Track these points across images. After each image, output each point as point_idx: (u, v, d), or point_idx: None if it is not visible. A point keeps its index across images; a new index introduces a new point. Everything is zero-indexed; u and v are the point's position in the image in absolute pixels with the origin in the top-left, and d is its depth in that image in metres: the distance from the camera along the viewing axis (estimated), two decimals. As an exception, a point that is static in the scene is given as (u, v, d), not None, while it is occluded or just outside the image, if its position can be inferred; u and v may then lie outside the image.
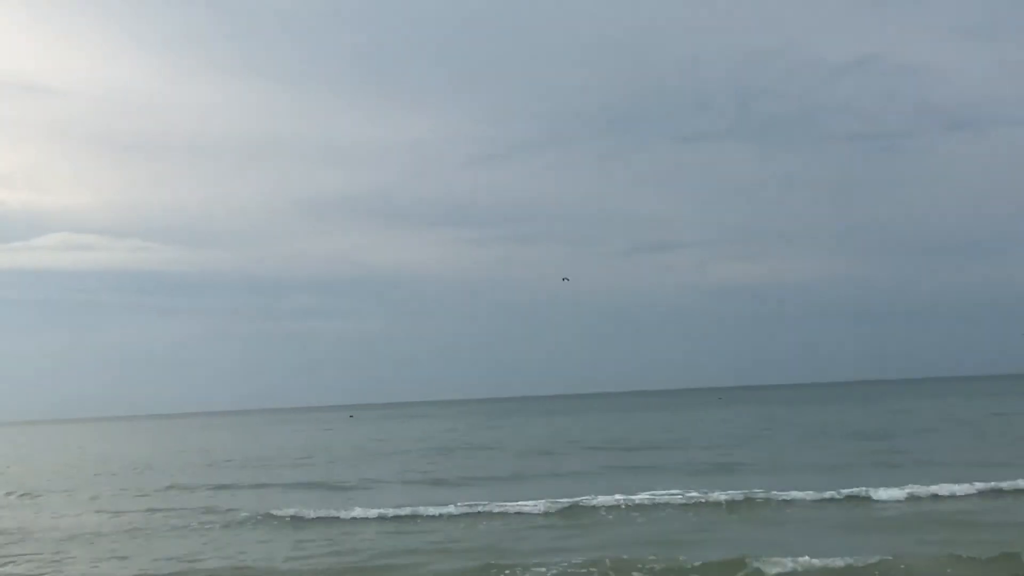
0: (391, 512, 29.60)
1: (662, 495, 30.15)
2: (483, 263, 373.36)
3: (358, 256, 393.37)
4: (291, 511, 30.70)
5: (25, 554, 25.68)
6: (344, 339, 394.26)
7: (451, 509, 29.73)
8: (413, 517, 28.99)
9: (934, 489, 29.11)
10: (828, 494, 29.03)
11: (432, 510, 29.70)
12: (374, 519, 29.02)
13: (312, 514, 30.20)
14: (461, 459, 51.18)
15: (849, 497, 28.73)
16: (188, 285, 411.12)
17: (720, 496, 29.40)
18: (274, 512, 30.74)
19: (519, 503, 29.97)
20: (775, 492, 29.59)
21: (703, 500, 29.21)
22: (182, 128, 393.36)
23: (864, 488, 29.44)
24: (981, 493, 28.48)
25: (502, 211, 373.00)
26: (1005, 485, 28.94)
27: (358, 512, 30.01)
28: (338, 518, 29.49)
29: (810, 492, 29.37)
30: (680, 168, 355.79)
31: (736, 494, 29.51)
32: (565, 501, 29.75)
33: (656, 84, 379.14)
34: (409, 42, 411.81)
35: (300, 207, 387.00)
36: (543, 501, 29.80)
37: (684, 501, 29.31)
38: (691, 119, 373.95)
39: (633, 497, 29.79)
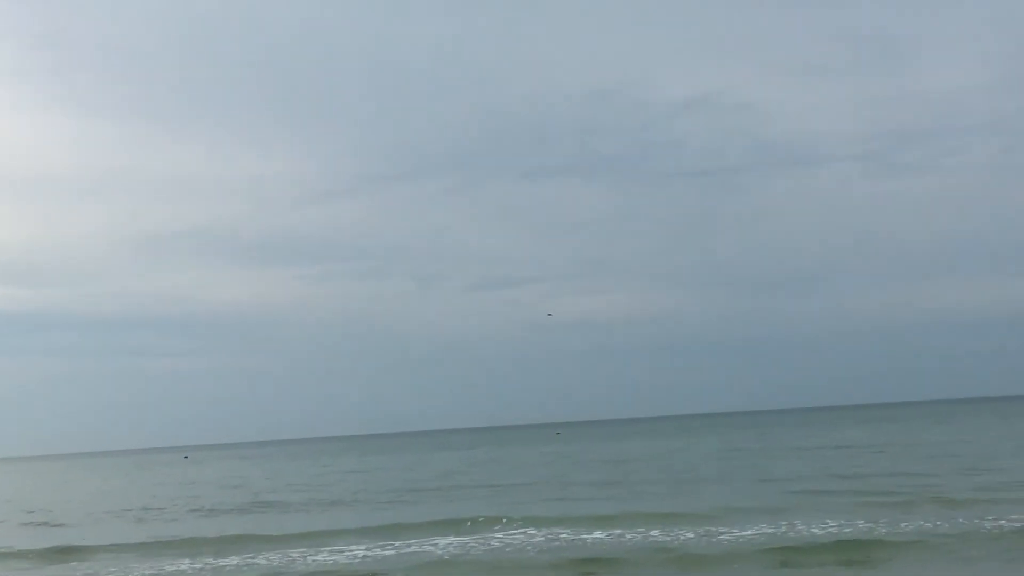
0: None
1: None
2: (324, 300, 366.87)
3: (197, 293, 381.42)
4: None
5: None
6: (182, 378, 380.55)
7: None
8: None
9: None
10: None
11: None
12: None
13: None
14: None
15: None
16: (19, 324, 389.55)
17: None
18: None
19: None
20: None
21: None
22: (10, 164, 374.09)
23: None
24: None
25: (344, 247, 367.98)
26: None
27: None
28: None
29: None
30: (523, 204, 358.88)
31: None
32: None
33: (499, 121, 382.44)
34: (252, 77, 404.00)
35: (136, 243, 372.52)
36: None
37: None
38: (533, 155, 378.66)
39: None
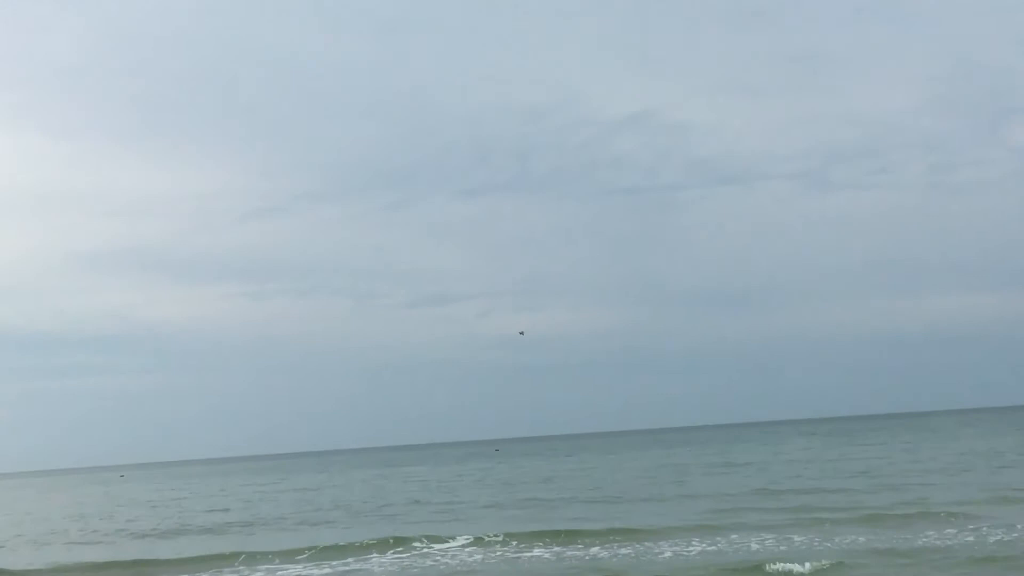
0: None
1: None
2: (262, 318, 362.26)
3: (136, 311, 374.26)
4: None
5: None
6: (121, 397, 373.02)
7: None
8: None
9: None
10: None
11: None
12: None
13: None
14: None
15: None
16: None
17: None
18: None
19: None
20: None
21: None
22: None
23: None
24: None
25: (282, 264, 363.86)
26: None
27: None
28: None
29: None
30: (462, 221, 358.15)
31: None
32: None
33: (438, 139, 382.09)
34: (191, 93, 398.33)
35: (75, 261, 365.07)
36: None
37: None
38: (473, 173, 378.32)
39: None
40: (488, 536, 33.47)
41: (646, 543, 30.65)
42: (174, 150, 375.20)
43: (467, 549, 31.82)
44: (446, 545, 32.78)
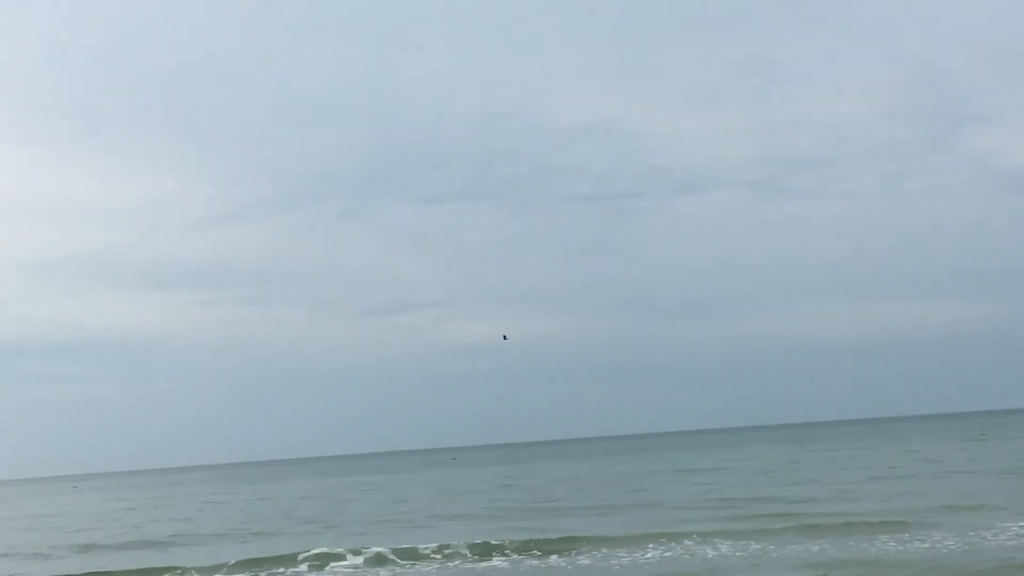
0: None
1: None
2: (217, 325, 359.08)
3: (89, 319, 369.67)
4: None
5: None
6: (74, 405, 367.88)
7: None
8: None
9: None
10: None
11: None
12: None
13: None
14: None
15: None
16: None
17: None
18: None
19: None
20: None
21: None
22: None
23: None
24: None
25: (238, 272, 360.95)
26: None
27: None
28: None
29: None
30: (418, 229, 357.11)
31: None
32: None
33: (395, 146, 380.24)
34: (142, 102, 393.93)
35: (27, 269, 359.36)
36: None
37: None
38: (430, 181, 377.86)
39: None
40: (423, 547, 33.03)
41: (604, 549, 30.75)
42: (125, 159, 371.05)
43: (404, 562, 31.60)
44: (359, 558, 32.38)
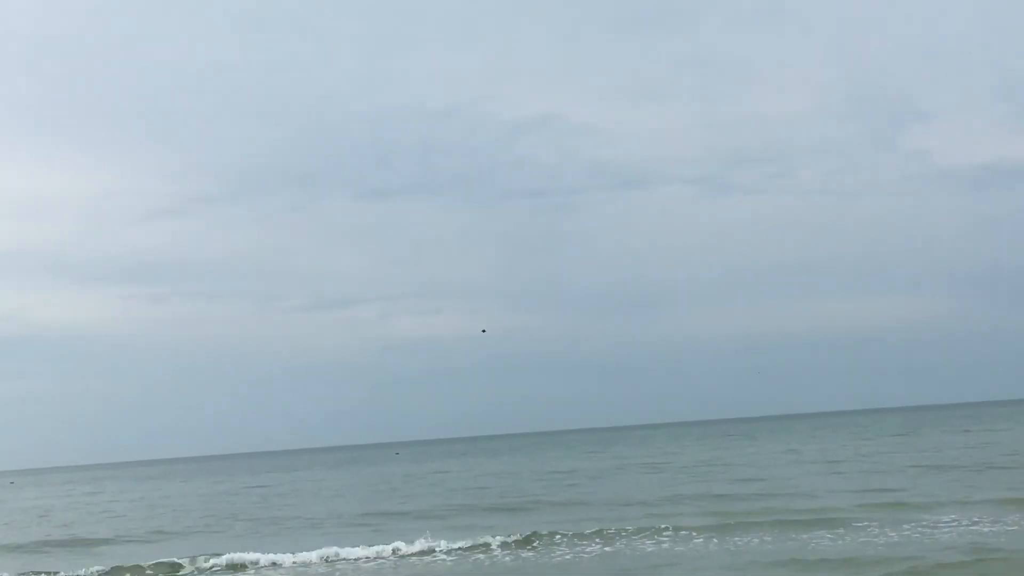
0: None
1: None
2: (161, 320, 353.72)
3: (29, 314, 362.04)
4: None
5: None
6: (13, 400, 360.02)
7: None
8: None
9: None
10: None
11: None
12: None
13: None
14: None
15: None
16: None
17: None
18: None
19: None
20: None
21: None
22: None
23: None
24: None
25: (181, 267, 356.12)
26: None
27: None
28: None
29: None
30: (364, 223, 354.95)
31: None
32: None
33: (339, 141, 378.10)
34: (85, 95, 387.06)
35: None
36: None
37: None
38: (375, 175, 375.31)
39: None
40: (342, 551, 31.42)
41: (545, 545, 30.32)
42: (66, 152, 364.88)
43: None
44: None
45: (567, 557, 28.35)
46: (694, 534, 30.57)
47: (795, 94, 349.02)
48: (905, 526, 29.51)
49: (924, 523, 29.88)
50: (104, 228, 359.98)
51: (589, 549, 29.35)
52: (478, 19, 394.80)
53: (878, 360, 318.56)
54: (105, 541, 41.33)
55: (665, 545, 29.12)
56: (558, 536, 31.55)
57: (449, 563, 28.86)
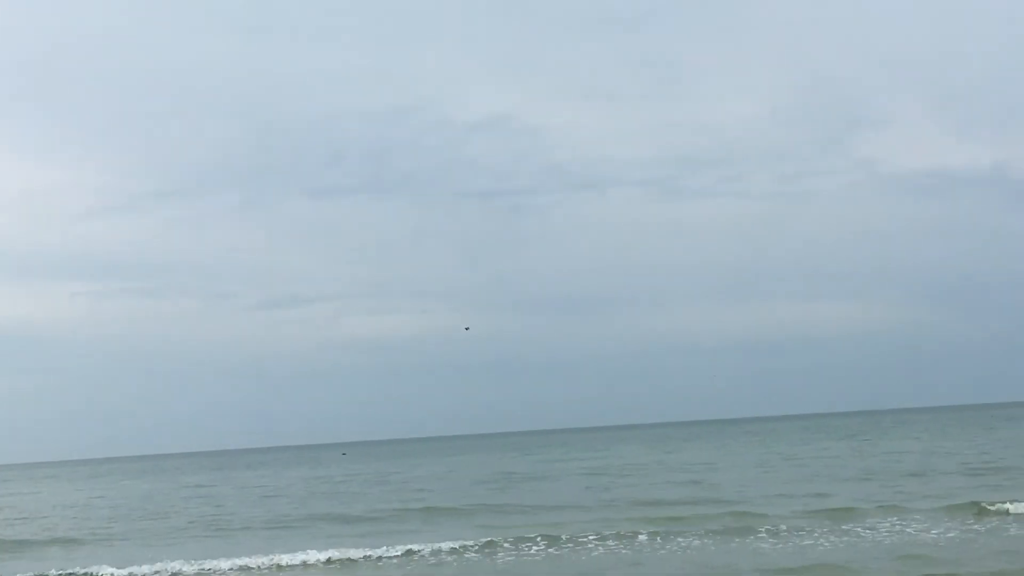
0: None
1: None
2: (107, 318, 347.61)
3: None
4: None
5: None
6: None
7: None
8: None
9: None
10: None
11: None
12: None
13: None
14: None
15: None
16: None
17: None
18: None
19: None
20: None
21: None
22: None
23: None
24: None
25: (128, 264, 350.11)
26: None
27: None
28: None
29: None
30: (315, 222, 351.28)
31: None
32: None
33: (291, 139, 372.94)
34: (24, 87, 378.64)
35: None
36: None
37: None
38: (328, 174, 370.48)
39: None
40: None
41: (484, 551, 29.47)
42: (7, 147, 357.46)
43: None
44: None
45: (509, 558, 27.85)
46: (641, 537, 30.08)
47: (747, 98, 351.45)
48: (834, 533, 29.21)
49: (859, 528, 29.62)
50: (51, 224, 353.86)
51: (534, 550, 28.84)
52: (431, 19, 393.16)
53: (827, 364, 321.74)
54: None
55: (598, 553, 28.42)
56: (504, 541, 30.68)
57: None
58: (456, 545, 30.05)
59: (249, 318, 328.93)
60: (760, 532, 30.10)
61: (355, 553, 29.54)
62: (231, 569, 28.67)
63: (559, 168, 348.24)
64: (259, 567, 28.70)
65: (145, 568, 29.08)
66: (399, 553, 29.49)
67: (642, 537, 30.08)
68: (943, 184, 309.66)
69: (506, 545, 29.92)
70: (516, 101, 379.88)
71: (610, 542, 29.56)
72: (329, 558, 29.18)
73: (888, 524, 30.19)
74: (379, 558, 29.14)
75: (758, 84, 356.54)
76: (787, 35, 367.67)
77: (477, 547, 29.78)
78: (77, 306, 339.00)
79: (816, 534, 28.99)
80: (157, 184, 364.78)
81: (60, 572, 29.58)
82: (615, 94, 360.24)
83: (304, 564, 28.91)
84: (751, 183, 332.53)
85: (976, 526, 29.27)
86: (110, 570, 29.14)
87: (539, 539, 30.38)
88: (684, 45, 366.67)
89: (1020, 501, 32.15)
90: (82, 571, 29.47)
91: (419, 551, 29.64)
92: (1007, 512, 31.26)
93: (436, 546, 30.01)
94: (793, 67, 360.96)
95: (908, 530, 28.90)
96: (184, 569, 28.83)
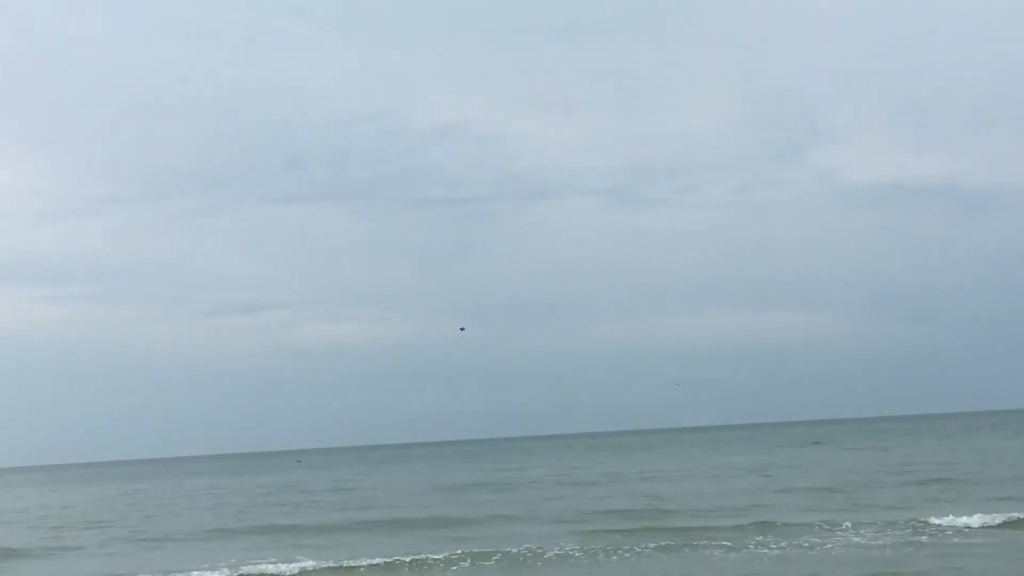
0: None
1: None
2: (59, 323, 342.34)
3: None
4: None
5: None
6: None
7: None
8: None
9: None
10: None
11: None
12: None
13: None
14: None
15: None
16: None
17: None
18: None
19: None
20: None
21: None
22: None
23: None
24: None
25: (82, 268, 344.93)
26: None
27: None
28: None
29: None
30: (271, 228, 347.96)
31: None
32: None
33: (247, 144, 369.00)
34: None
35: None
36: None
37: None
38: (282, 180, 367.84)
39: None
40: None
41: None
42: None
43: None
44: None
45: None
46: (605, 548, 29.27)
47: (706, 109, 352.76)
48: (782, 542, 28.72)
49: (804, 539, 29.15)
50: (4, 228, 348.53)
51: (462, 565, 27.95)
52: (389, 27, 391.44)
53: (779, 373, 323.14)
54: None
55: (539, 566, 27.65)
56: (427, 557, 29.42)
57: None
58: (390, 560, 28.80)
59: (204, 324, 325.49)
60: (706, 543, 29.43)
61: (271, 569, 28.20)
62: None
63: (518, 176, 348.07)
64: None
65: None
66: (332, 565, 28.44)
67: (590, 548, 29.31)
68: (897, 195, 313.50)
69: (439, 559, 28.76)
70: (476, 109, 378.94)
71: (549, 555, 28.67)
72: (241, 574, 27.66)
73: (836, 536, 29.69)
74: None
75: (716, 95, 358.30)
76: (745, 47, 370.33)
77: (406, 564, 28.49)
78: (30, 311, 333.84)
79: (763, 546, 28.39)
80: (113, 189, 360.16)
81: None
82: (575, 103, 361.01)
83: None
84: (709, 193, 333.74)
85: (921, 538, 28.85)
86: None
87: (497, 555, 29.07)
88: (643, 56, 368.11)
89: (961, 515, 31.80)
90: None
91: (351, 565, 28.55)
92: (949, 526, 30.96)
93: (371, 561, 28.77)
94: (751, 79, 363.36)
95: (855, 539, 28.54)
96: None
